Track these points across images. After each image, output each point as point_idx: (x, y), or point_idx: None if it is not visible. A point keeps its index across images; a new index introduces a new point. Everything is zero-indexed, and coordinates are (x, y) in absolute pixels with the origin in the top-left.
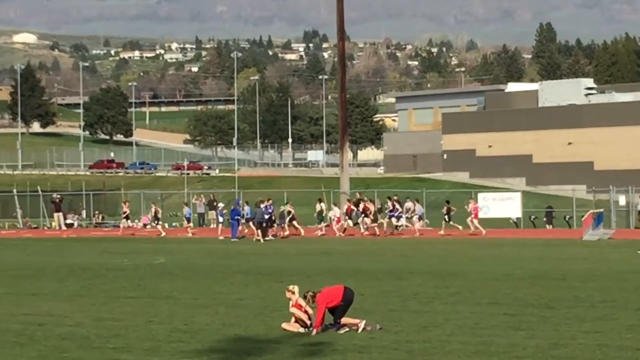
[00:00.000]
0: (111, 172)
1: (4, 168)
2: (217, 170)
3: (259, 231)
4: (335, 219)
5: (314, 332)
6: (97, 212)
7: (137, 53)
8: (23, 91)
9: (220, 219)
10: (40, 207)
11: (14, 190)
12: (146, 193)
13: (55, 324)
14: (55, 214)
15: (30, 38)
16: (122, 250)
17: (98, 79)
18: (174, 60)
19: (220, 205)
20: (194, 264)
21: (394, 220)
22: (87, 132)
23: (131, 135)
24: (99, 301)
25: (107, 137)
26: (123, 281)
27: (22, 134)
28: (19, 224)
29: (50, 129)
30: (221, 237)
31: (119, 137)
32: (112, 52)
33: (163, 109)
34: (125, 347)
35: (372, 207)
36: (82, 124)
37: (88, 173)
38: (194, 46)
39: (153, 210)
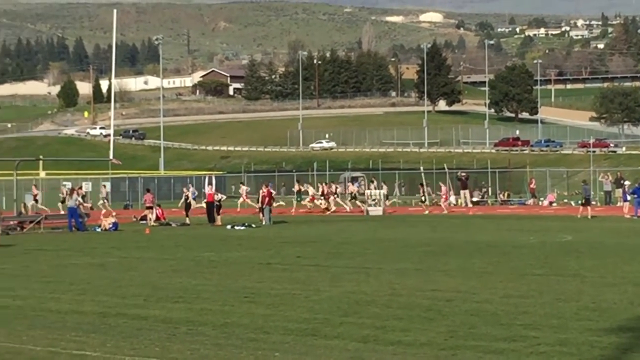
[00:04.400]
0: (516, 150)
1: (410, 146)
2: (623, 148)
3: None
4: None
5: None
6: (502, 189)
7: (542, 30)
8: (429, 70)
9: (628, 198)
10: (446, 184)
11: (421, 168)
12: (552, 171)
13: (462, 300)
14: (462, 191)
15: (436, 17)
16: (528, 227)
17: (503, 56)
18: (579, 37)
19: (627, 183)
20: (600, 242)
21: None
22: (492, 110)
23: (536, 113)
24: (506, 278)
25: (513, 115)
26: (530, 258)
27: (429, 112)
28: (426, 200)
29: (456, 107)
30: (627, 216)
31: (524, 114)
32: (517, 29)
33: (568, 86)
34: (532, 324)
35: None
36: (488, 102)
37: (493, 151)
38: (600, 22)
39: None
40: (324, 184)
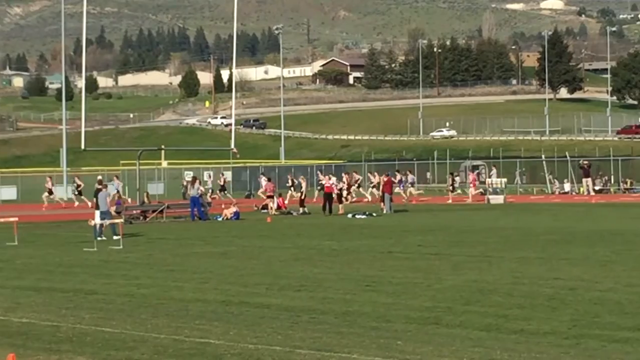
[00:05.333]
0: (639, 138)
1: (531, 134)
2: None
3: None
4: None
5: None
6: (625, 177)
7: None
8: (550, 57)
9: None
10: (568, 172)
11: (542, 156)
12: None
13: (585, 288)
14: (584, 180)
15: (557, 4)
16: None
17: (625, 43)
18: None
19: None
20: None
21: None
22: (614, 98)
23: None
24: (630, 267)
25: (635, 102)
26: None
27: (550, 99)
28: (547, 189)
29: (577, 95)
30: None
31: None
32: None
33: None
34: None
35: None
36: (610, 89)
37: (616, 138)
38: None
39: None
40: (346, 174)
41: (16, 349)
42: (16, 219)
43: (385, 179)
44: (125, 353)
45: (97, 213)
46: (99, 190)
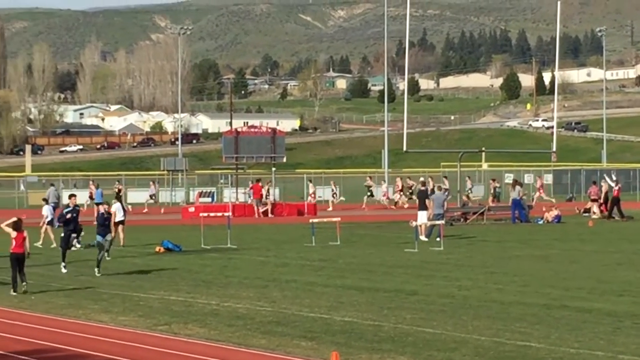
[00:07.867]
0: None
1: None
2: None
3: None
4: None
5: None
6: None
7: None
8: None
9: None
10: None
11: None
12: None
13: None
14: None
15: None
16: None
17: None
18: None
19: None
20: None
21: None
22: None
23: None
24: None
25: None
26: None
27: None
28: None
29: None
30: None
31: None
32: None
33: None
34: None
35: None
36: None
37: None
38: None
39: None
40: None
41: (339, 347)
42: (339, 219)
43: None
44: (446, 354)
45: (421, 214)
46: (422, 191)
